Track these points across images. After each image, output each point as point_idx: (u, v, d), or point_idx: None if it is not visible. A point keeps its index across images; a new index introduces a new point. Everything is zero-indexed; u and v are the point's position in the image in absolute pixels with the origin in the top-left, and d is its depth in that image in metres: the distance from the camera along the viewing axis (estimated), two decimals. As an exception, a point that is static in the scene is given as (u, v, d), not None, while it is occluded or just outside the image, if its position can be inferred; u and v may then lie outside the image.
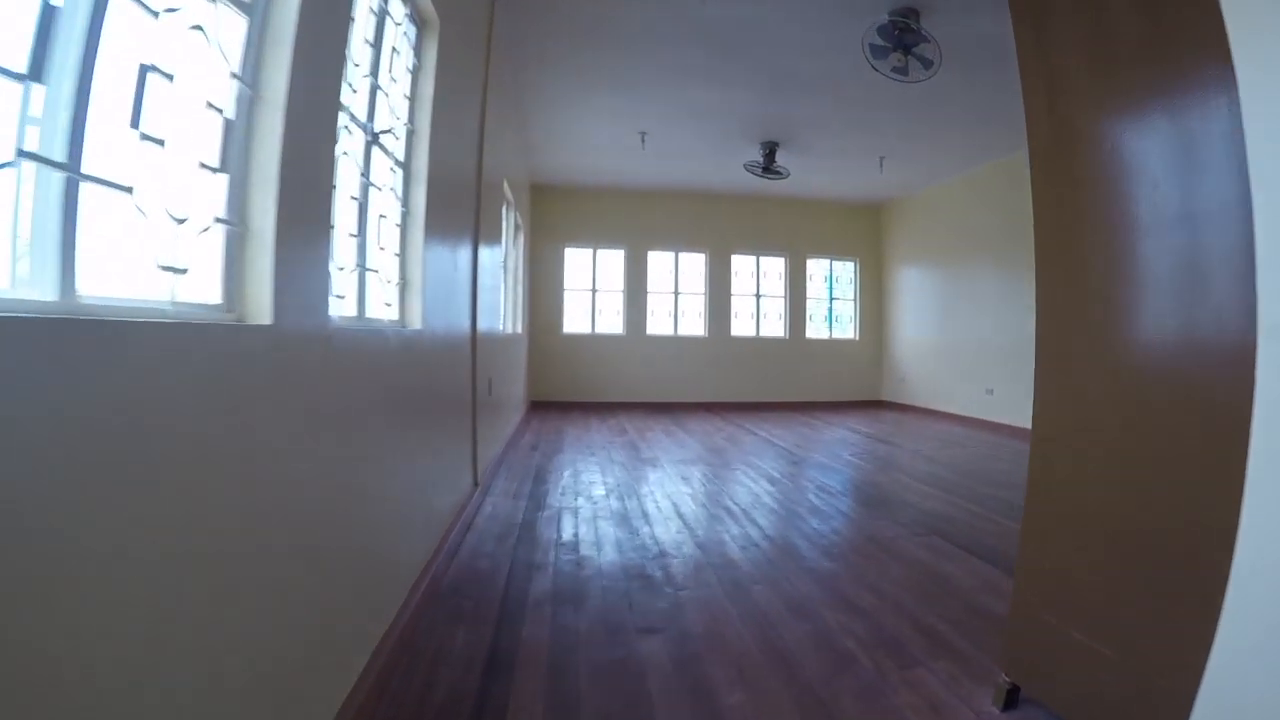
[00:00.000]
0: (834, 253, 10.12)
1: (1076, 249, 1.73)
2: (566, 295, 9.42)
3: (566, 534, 3.38)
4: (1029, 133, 1.87)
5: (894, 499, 4.26)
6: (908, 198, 9.48)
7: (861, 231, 10.21)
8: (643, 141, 6.90)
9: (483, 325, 4.07)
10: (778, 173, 7.26)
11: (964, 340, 8.16)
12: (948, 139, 6.86)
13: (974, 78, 5.14)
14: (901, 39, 4.35)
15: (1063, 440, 1.74)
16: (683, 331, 9.59)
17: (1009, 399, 7.23)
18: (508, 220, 6.16)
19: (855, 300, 10.25)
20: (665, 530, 3.47)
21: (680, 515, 3.77)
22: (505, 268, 6.07)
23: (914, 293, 9.40)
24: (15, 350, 0.70)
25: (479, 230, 3.89)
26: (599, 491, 4.33)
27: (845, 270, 10.27)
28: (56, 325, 0.77)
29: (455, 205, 3.28)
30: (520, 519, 3.63)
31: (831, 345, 10.11)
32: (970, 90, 5.44)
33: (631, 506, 3.93)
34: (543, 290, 9.22)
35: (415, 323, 2.54)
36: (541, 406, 8.96)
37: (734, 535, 3.38)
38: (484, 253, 4.15)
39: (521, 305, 7.60)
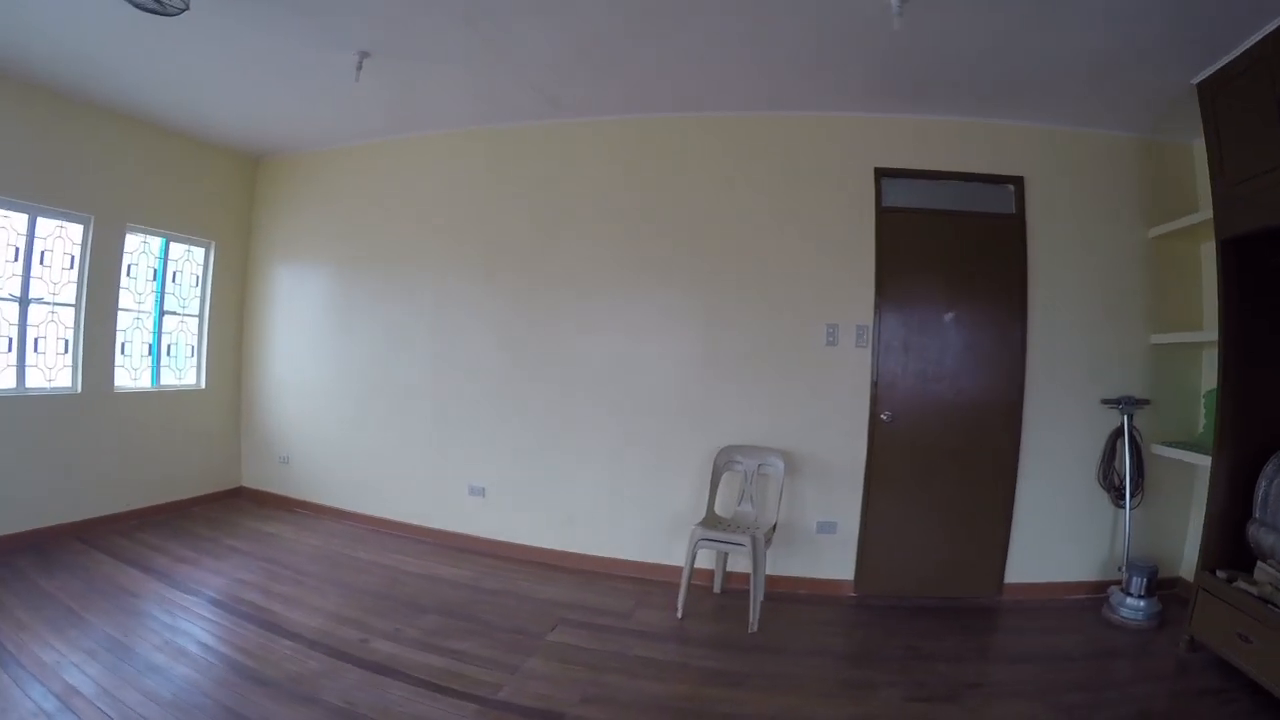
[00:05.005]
0: (175, 226, 5.81)
1: None
2: None
3: None
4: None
5: None
6: (312, 153, 6.14)
7: (226, 195, 6.23)
8: None
9: None
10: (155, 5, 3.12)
11: (412, 392, 5.55)
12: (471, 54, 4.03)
13: None
14: None
15: None
16: None
17: (503, 500, 5.18)
18: None
19: (203, 317, 6.18)
20: None
21: None
22: None
23: (310, 309, 6.10)
24: None
25: None
26: None
27: (190, 261, 6.08)
28: None
29: None
30: None
31: (161, 400, 5.77)
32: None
33: None
34: None
35: None
36: None
37: None
38: None
39: None
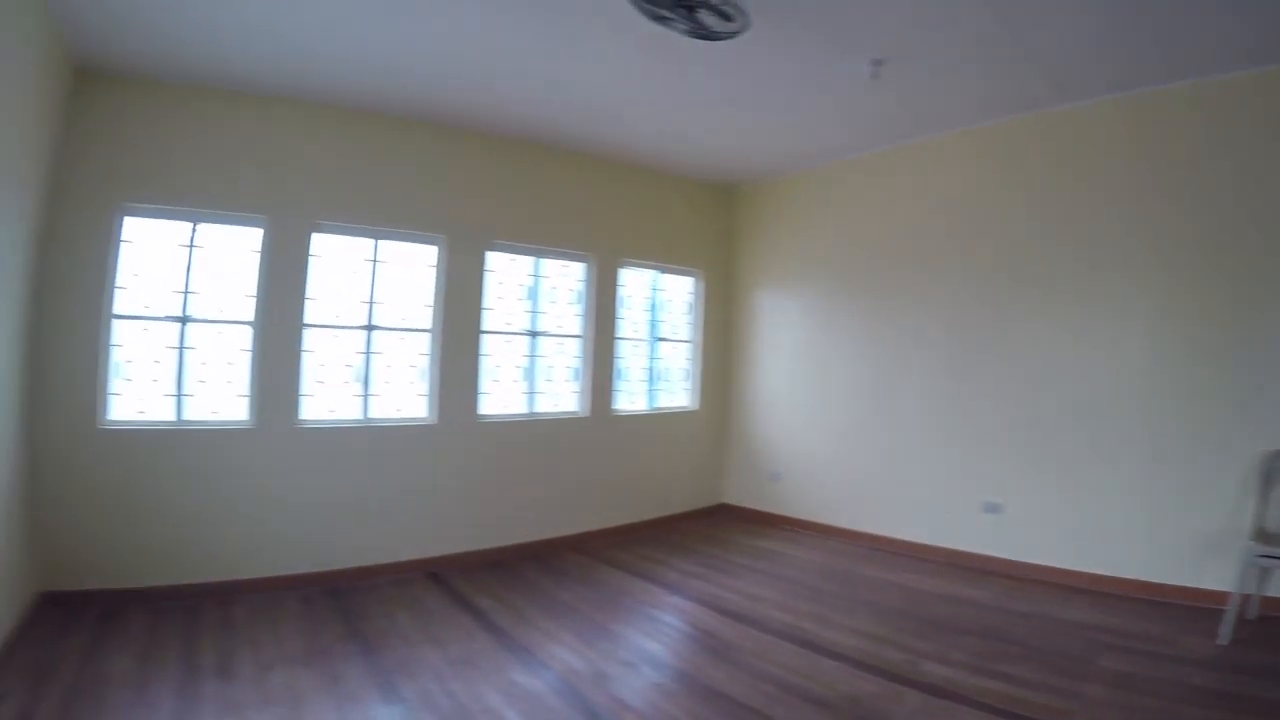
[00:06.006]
0: (663, 258, 6.20)
1: None
2: (116, 329, 4.16)
3: None
4: None
5: None
6: (783, 179, 6.15)
7: (706, 226, 6.50)
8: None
9: None
10: (708, 29, 3.15)
11: (913, 408, 5.25)
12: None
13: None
14: None
15: None
16: (383, 413, 4.85)
17: (1021, 516, 4.63)
18: None
19: (694, 342, 6.49)
20: None
21: None
22: None
23: (794, 327, 6.07)
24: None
25: None
26: None
27: (679, 290, 6.47)
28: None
29: None
30: None
31: (656, 422, 6.18)
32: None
33: None
34: (57, 320, 3.91)
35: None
36: (70, 605, 3.78)
37: None
38: None
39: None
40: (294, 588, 4.31)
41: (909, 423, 5.21)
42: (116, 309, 4.15)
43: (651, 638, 3.63)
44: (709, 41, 3.28)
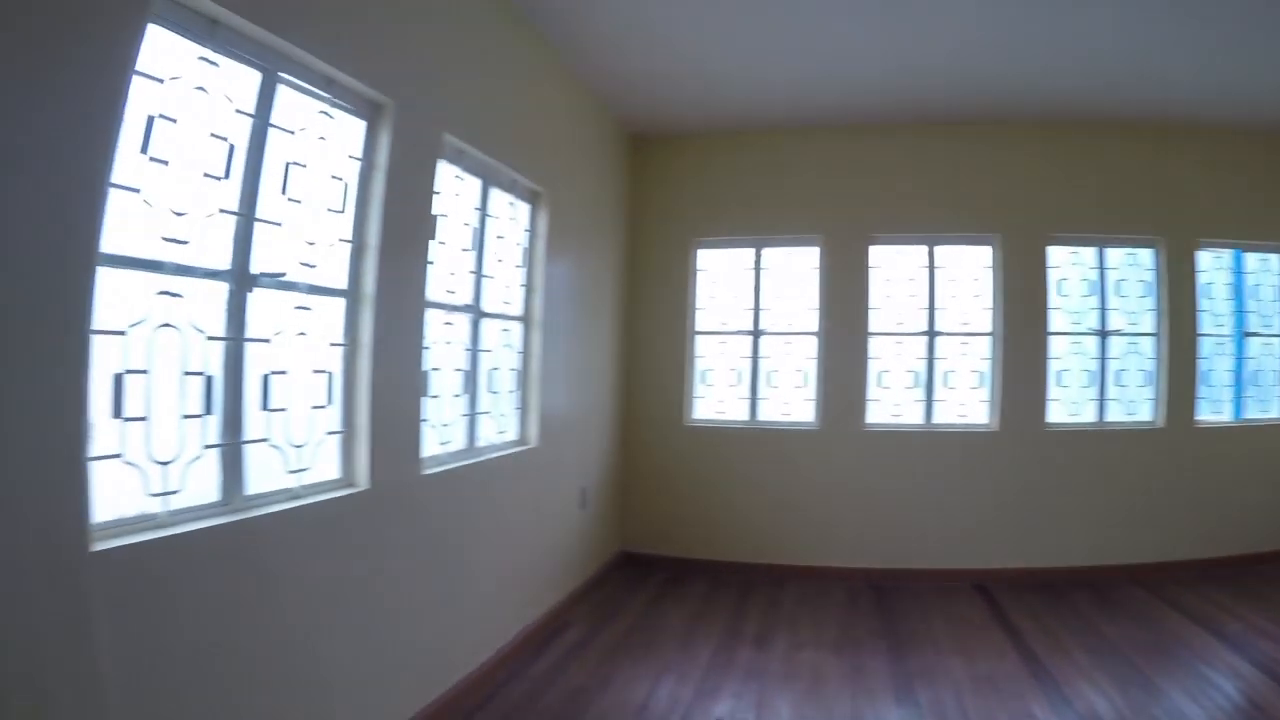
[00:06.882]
0: (1249, 233, 5.01)
1: None
2: (698, 343, 4.94)
3: None
4: None
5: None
6: None
7: None
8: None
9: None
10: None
11: None
12: None
13: None
14: None
15: None
16: (946, 418, 4.79)
17: None
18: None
19: None
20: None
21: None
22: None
23: None
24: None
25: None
26: None
27: (1266, 270, 5.16)
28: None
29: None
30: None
31: (1243, 436, 5.02)
32: None
33: None
34: (645, 337, 4.91)
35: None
36: (642, 565, 4.77)
37: None
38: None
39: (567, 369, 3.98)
40: (841, 580, 4.57)
41: None
42: (697, 327, 4.85)
43: (1193, 699, 3.05)
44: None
